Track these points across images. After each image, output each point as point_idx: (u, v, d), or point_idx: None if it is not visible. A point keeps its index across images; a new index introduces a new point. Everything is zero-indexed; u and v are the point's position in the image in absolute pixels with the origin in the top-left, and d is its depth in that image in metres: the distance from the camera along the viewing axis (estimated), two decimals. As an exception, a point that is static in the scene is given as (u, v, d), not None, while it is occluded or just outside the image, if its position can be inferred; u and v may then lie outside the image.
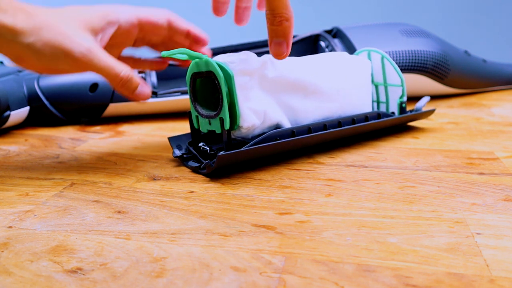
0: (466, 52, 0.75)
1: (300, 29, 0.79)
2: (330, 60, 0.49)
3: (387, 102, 0.55)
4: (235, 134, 0.43)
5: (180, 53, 0.39)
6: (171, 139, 0.48)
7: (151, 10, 0.46)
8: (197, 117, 0.44)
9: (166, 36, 0.48)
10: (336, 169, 0.43)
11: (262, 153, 0.42)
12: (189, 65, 0.43)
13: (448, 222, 0.33)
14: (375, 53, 0.53)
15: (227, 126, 0.40)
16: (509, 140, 0.52)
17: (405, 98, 0.53)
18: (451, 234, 0.31)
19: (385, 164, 0.44)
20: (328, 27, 0.73)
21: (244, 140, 0.46)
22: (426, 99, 0.56)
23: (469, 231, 0.31)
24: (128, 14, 0.44)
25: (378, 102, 0.55)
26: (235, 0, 0.45)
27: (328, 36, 0.70)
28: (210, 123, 0.42)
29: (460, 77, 0.72)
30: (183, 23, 0.48)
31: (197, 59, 0.41)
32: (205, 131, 0.43)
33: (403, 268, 0.27)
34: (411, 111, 0.55)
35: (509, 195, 0.37)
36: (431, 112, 0.56)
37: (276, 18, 0.36)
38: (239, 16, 0.45)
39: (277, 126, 0.44)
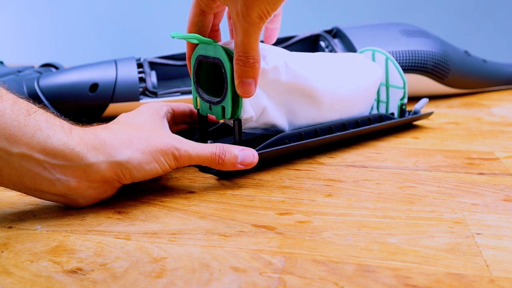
0: (466, 52, 0.75)
1: (300, 29, 0.79)
2: (345, 66, 0.49)
3: (387, 102, 0.55)
4: (231, 123, 0.42)
5: (191, 38, 0.39)
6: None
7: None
8: (197, 98, 0.44)
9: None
10: (336, 169, 0.43)
11: (272, 155, 0.42)
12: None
13: (448, 222, 0.33)
14: (380, 53, 0.53)
15: (228, 115, 0.40)
16: (509, 140, 0.52)
17: (405, 100, 0.53)
18: (451, 234, 0.31)
19: (385, 164, 0.44)
20: (328, 27, 0.73)
21: (249, 138, 0.46)
22: (424, 100, 0.56)
23: (469, 231, 0.31)
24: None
25: (378, 101, 0.56)
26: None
27: (328, 36, 0.70)
28: (210, 108, 0.42)
29: (460, 77, 0.72)
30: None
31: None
32: (204, 115, 0.43)
33: (403, 268, 0.27)
34: (409, 112, 0.55)
35: (509, 195, 0.37)
36: (429, 114, 0.57)
37: (250, 60, 0.37)
38: (268, 35, 0.48)
39: (273, 126, 0.44)
